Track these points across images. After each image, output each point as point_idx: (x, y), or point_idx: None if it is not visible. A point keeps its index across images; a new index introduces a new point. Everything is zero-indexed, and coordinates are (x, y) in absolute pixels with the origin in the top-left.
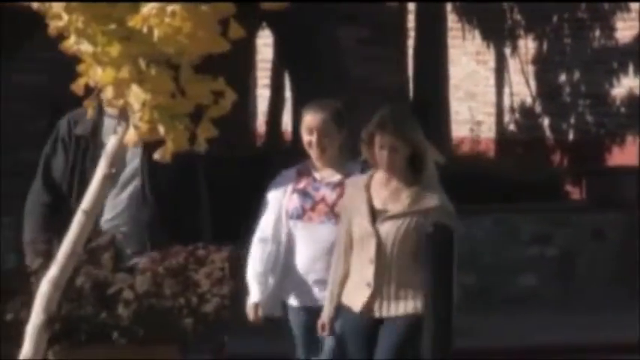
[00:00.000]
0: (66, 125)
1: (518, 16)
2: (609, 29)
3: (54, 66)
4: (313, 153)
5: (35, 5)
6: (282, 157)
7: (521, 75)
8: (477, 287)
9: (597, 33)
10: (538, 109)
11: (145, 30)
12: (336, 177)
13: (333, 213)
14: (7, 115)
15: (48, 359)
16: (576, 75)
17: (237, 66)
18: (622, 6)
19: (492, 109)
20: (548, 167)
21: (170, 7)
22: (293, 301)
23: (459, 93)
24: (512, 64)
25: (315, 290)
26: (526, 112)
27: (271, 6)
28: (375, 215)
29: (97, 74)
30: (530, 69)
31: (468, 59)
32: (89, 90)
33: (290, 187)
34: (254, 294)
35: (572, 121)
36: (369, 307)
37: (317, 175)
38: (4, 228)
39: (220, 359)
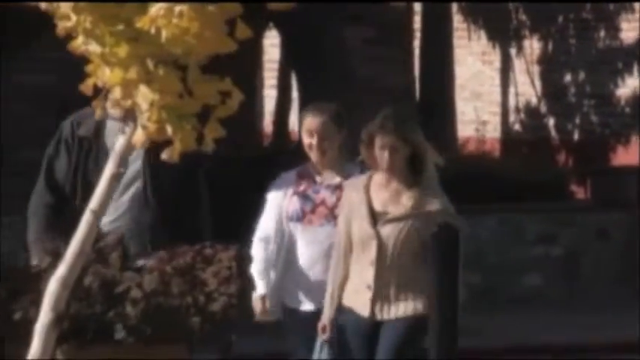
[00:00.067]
0: (69, 126)
1: (523, 17)
2: (614, 30)
3: (62, 66)
4: (313, 155)
5: (44, 5)
6: (288, 156)
7: (527, 75)
8: (482, 287)
9: (602, 33)
10: (543, 109)
11: (152, 31)
12: (336, 179)
13: (332, 215)
14: (16, 115)
15: (56, 358)
16: (581, 75)
17: (244, 66)
18: (627, 6)
19: (498, 109)
20: (553, 167)
21: (178, 8)
22: (292, 303)
23: (464, 93)
24: (518, 65)
25: (315, 292)
26: (531, 112)
27: (278, 6)
28: (375, 217)
29: (105, 75)
30: (536, 69)
31: (473, 59)
32: (97, 90)
33: (290, 190)
34: (260, 287)
35: (577, 121)
36: (369, 308)
37: (317, 178)
38: (4, 228)
39: (228, 358)
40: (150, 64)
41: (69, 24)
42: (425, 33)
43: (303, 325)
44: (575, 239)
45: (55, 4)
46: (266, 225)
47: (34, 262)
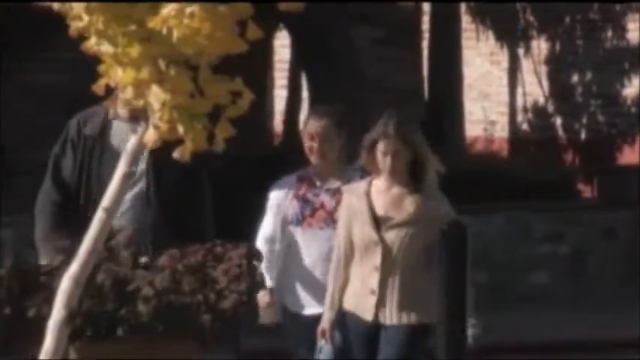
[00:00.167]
0: (75, 125)
1: (531, 18)
2: (621, 30)
3: (75, 66)
4: (314, 159)
5: (56, 6)
6: (298, 156)
7: (534, 75)
8: (489, 285)
9: (609, 34)
10: (550, 108)
11: (164, 31)
12: (336, 183)
13: (332, 219)
14: (28, 115)
15: (69, 354)
16: (588, 75)
17: (254, 66)
18: (633, 7)
19: (505, 109)
20: (560, 166)
21: (189, 9)
22: (293, 306)
23: (472, 93)
24: (525, 65)
25: (315, 295)
26: (539, 111)
27: (288, 6)
28: (378, 222)
29: (117, 75)
30: (543, 69)
31: (481, 60)
32: (109, 90)
33: (290, 194)
34: (266, 281)
35: (584, 120)
36: (373, 313)
37: (317, 182)
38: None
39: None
40: (162, 64)
41: (81, 24)
42: (433, 33)
43: (304, 327)
44: (582, 238)
45: (67, 4)
46: (270, 226)
47: (42, 260)
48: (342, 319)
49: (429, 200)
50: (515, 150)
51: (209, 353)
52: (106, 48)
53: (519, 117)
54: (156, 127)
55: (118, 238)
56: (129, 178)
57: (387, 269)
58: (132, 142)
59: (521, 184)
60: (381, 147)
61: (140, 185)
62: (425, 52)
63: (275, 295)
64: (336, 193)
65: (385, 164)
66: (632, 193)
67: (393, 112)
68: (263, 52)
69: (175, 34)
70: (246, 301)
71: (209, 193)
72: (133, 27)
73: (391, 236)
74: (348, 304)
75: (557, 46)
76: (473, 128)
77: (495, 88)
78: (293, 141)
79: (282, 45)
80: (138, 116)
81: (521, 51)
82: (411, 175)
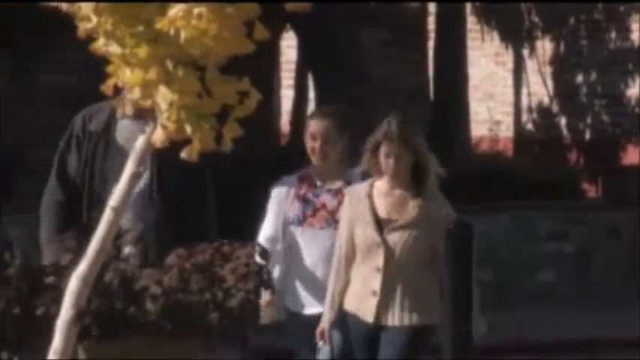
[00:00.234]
0: (80, 121)
1: (535, 18)
2: (625, 31)
3: (83, 67)
4: (315, 159)
5: (65, 7)
6: (305, 156)
7: (539, 76)
8: (494, 283)
9: (613, 34)
10: (555, 108)
11: (172, 32)
12: (337, 184)
13: (333, 219)
14: (37, 115)
15: (77, 353)
16: (592, 76)
17: (261, 67)
18: (637, 8)
19: (510, 109)
20: (564, 166)
21: (196, 10)
22: (294, 306)
23: (478, 93)
24: (530, 65)
25: (316, 295)
26: (543, 111)
27: (295, 7)
28: (380, 224)
29: (125, 75)
30: (548, 70)
31: (486, 60)
32: (118, 90)
33: (291, 194)
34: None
35: (589, 120)
36: (374, 315)
37: (318, 182)
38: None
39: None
40: (169, 64)
41: (90, 25)
42: (439, 34)
43: (305, 327)
44: (586, 237)
45: (76, 5)
46: (271, 226)
47: (45, 262)
48: (343, 320)
49: (431, 202)
50: (520, 150)
51: (219, 350)
52: (114, 49)
53: (524, 117)
54: (164, 127)
55: (127, 236)
56: (137, 178)
57: (389, 271)
58: (140, 141)
59: (526, 183)
60: (383, 149)
61: (143, 183)
62: (430, 53)
63: (276, 294)
64: (338, 193)
65: (388, 166)
66: (636, 193)
67: (395, 114)
68: (270, 52)
69: (183, 34)
70: (253, 299)
71: (212, 193)
72: (140, 28)
73: (394, 238)
74: (349, 306)
75: (562, 47)
76: (478, 128)
77: (500, 89)
78: (300, 141)
79: (288, 46)
80: (143, 113)
81: (526, 51)
82: (413, 178)
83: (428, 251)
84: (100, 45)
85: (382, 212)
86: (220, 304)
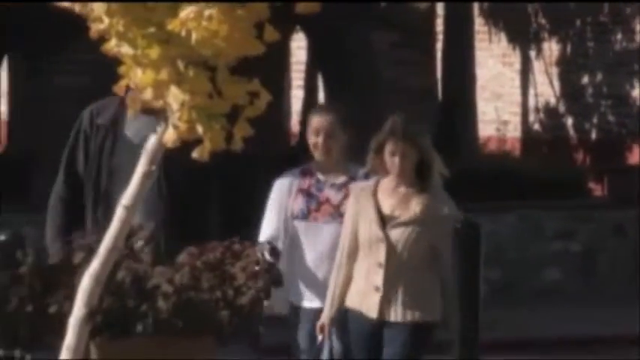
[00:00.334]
0: (88, 116)
1: (542, 20)
2: (630, 32)
3: (96, 68)
4: (318, 154)
5: (77, 8)
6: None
7: (546, 76)
8: (502, 282)
9: (619, 36)
10: (562, 109)
11: (183, 33)
12: (341, 179)
13: (338, 213)
14: (51, 116)
15: (90, 351)
16: (598, 77)
17: (271, 68)
18: None
19: (518, 109)
20: (571, 165)
21: (207, 11)
22: (298, 300)
23: (485, 94)
24: (537, 66)
25: (320, 289)
26: (550, 112)
27: (305, 7)
28: (384, 220)
29: (137, 76)
30: (554, 71)
31: (494, 61)
32: (129, 91)
33: (294, 188)
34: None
35: (595, 121)
36: (377, 310)
37: (320, 177)
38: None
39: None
40: (180, 65)
41: (102, 27)
42: (447, 36)
43: (308, 321)
44: (593, 235)
45: (88, 7)
46: (273, 224)
47: (50, 262)
48: (345, 317)
49: (435, 201)
50: (527, 149)
51: (232, 346)
52: (126, 49)
53: (531, 117)
54: (175, 127)
55: (139, 235)
56: (149, 178)
57: (391, 266)
58: (152, 141)
59: (533, 182)
60: (389, 148)
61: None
62: (439, 54)
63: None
64: (342, 188)
65: (393, 165)
66: None
67: (400, 113)
68: (280, 53)
69: (194, 36)
70: (263, 297)
71: (215, 193)
72: (152, 29)
73: (396, 234)
74: (352, 303)
75: (568, 48)
76: (486, 128)
77: (508, 89)
78: None
79: (298, 47)
80: (150, 108)
81: (532, 53)
82: (417, 176)
83: (429, 250)
84: (112, 46)
85: (386, 209)
86: (231, 302)
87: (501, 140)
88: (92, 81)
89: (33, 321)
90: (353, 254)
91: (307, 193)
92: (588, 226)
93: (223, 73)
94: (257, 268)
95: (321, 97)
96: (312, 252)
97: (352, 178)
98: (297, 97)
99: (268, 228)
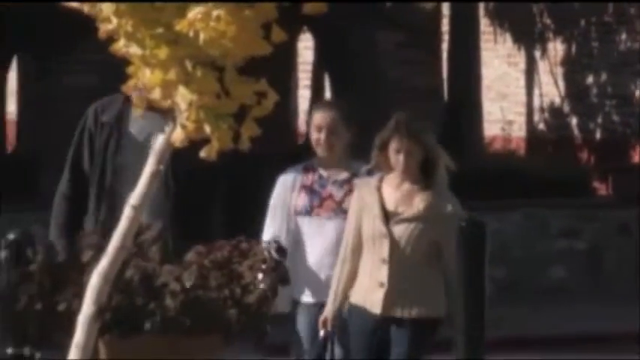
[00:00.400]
0: (92, 113)
1: (547, 20)
2: (635, 33)
3: (104, 68)
4: (320, 150)
5: (86, 8)
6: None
7: (551, 76)
8: (507, 280)
9: (623, 36)
10: (566, 109)
11: (191, 34)
12: (343, 175)
13: (341, 209)
14: (59, 115)
15: (98, 348)
16: (603, 77)
17: (279, 68)
18: None
19: (523, 109)
20: (576, 165)
21: (215, 12)
22: (303, 298)
23: (490, 94)
24: (542, 66)
25: (322, 285)
26: (555, 111)
27: (312, 8)
28: (387, 216)
29: (145, 76)
30: (559, 71)
31: (499, 61)
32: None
33: (298, 184)
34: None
35: (599, 120)
36: (381, 306)
37: (323, 173)
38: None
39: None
40: (188, 65)
41: (110, 27)
42: (453, 36)
43: (310, 316)
44: (598, 234)
45: (97, 7)
46: (275, 223)
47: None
48: (349, 314)
49: (438, 198)
50: (533, 149)
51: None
52: (135, 50)
53: (536, 117)
54: (183, 127)
55: (147, 234)
56: (157, 177)
57: (395, 262)
58: (159, 141)
59: (538, 181)
60: (393, 145)
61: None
62: (444, 55)
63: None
64: (345, 184)
65: (398, 162)
66: None
67: (404, 111)
68: (287, 54)
69: (202, 36)
70: (270, 296)
71: (220, 192)
72: (160, 30)
73: (399, 230)
74: (356, 299)
75: (573, 48)
76: (491, 128)
77: (513, 89)
78: None
79: (305, 47)
80: (155, 106)
81: (537, 53)
82: (422, 173)
83: (432, 247)
84: (121, 46)
85: (390, 205)
86: (238, 301)
87: (506, 140)
88: (101, 81)
89: (42, 319)
90: (357, 249)
91: (310, 190)
92: (593, 225)
93: (231, 73)
94: (264, 266)
95: (327, 96)
96: (315, 248)
97: (354, 175)
98: (304, 96)
99: (272, 225)
